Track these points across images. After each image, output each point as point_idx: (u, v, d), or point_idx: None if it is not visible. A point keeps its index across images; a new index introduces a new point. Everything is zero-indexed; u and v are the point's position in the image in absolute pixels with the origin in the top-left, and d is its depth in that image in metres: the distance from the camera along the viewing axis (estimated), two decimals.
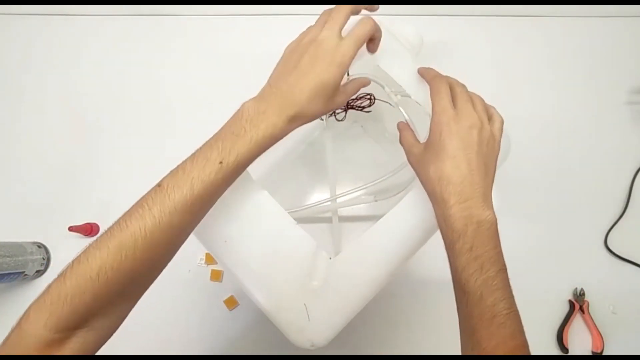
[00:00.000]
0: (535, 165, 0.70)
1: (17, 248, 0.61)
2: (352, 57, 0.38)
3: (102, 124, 0.72)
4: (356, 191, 0.58)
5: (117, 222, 0.33)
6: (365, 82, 0.46)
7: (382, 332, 0.64)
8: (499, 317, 0.35)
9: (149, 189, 0.35)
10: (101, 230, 0.64)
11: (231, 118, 0.38)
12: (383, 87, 0.47)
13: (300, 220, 0.47)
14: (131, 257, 0.32)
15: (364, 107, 0.61)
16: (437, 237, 0.40)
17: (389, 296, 0.64)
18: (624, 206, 0.68)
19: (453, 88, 0.42)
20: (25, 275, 0.62)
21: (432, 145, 0.40)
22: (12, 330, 0.31)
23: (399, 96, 0.47)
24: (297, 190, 0.69)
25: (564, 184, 0.69)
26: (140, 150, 0.71)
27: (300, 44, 0.39)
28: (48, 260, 0.66)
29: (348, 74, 0.45)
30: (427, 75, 0.44)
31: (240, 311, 0.64)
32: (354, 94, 0.45)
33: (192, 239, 0.39)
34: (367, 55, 0.44)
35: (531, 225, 0.67)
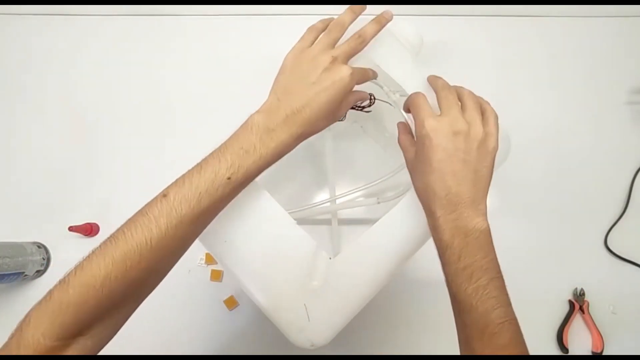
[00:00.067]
0: (535, 165, 0.70)
1: (17, 248, 0.61)
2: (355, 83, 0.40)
3: (102, 124, 0.72)
4: (356, 192, 0.58)
5: (122, 231, 0.33)
6: (364, 96, 0.47)
7: (382, 332, 0.64)
8: (492, 327, 0.34)
9: (148, 189, 0.35)
10: (101, 230, 0.64)
11: (239, 130, 0.38)
12: (382, 87, 0.47)
13: (300, 221, 0.47)
14: (136, 267, 0.32)
15: (363, 107, 0.61)
16: None
17: (389, 296, 0.64)
18: (624, 206, 0.68)
19: (438, 92, 0.41)
20: (26, 275, 0.62)
21: (418, 156, 0.40)
22: (12, 336, 0.31)
23: (398, 95, 0.47)
24: (297, 191, 0.69)
25: (564, 184, 0.69)
26: (140, 150, 0.70)
27: (304, 60, 0.40)
28: (48, 260, 0.66)
29: None
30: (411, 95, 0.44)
31: (240, 311, 0.64)
32: (354, 104, 0.46)
33: None
34: (367, 55, 0.44)
35: (531, 225, 0.67)
